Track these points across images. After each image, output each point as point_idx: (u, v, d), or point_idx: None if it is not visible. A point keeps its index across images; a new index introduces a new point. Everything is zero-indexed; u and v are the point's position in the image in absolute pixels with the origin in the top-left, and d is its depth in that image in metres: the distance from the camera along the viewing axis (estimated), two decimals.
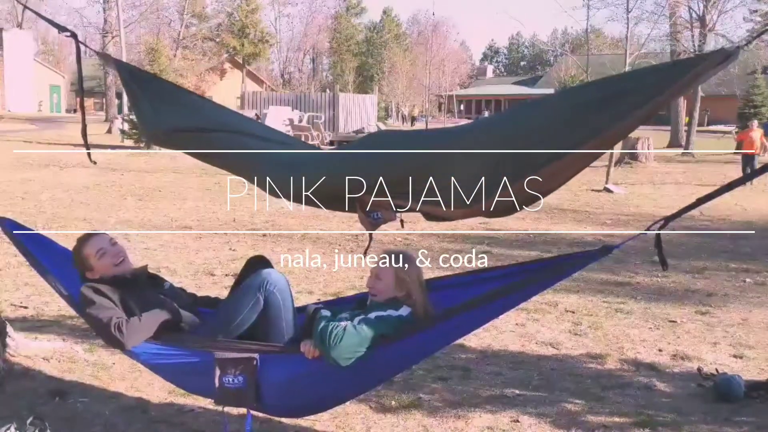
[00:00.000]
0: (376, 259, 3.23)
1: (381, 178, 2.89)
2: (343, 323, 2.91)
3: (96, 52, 3.74)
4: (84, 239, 3.38)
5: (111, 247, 3.35)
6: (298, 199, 3.23)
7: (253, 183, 3.24)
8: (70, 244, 3.77)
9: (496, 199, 2.69)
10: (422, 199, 2.87)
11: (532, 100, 2.86)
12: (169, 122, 3.20)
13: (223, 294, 4.22)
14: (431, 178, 2.79)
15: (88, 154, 3.62)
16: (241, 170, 3.28)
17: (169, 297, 3.38)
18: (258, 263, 3.50)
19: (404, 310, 3.03)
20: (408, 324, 3.00)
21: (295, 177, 3.04)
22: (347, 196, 3.00)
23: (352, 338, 2.85)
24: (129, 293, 3.23)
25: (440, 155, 2.79)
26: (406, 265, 3.15)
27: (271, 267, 3.43)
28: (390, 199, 2.99)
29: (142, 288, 3.32)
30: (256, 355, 2.99)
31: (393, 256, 3.19)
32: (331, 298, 5.41)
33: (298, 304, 3.44)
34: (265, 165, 3.13)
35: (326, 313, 3.05)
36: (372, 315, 2.98)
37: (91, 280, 3.28)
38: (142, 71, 3.44)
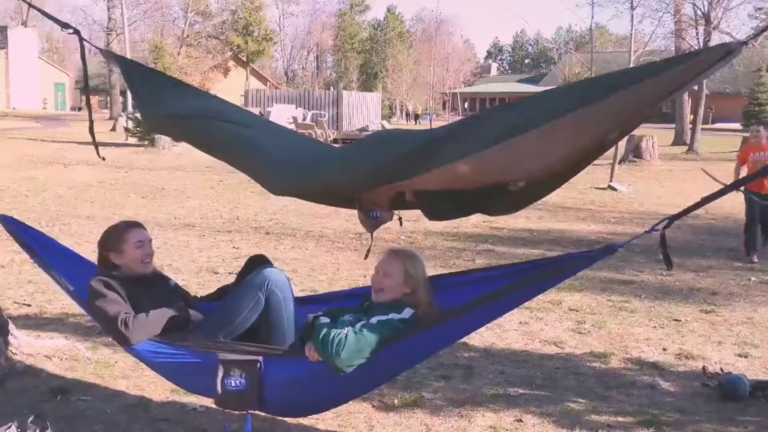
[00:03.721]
0: (380, 258, 3.22)
1: (382, 176, 2.87)
2: (344, 330, 2.87)
3: (98, 48, 3.73)
4: (130, 224, 3.40)
5: (148, 245, 3.37)
6: (297, 195, 3.22)
7: (252, 176, 3.23)
8: (73, 243, 3.76)
9: (498, 196, 2.67)
10: (422, 195, 2.86)
11: (530, 96, 2.83)
12: (169, 108, 3.20)
13: None
14: (431, 175, 2.77)
15: (97, 150, 3.61)
16: (240, 163, 3.26)
17: (176, 296, 3.38)
18: (258, 263, 3.49)
19: (407, 313, 2.99)
20: (411, 326, 2.98)
21: (296, 172, 3.03)
22: (347, 192, 2.99)
23: (354, 345, 2.82)
24: (138, 291, 3.23)
25: (440, 152, 2.76)
26: (414, 261, 3.15)
27: (272, 266, 3.43)
28: (389, 197, 2.98)
29: (150, 286, 3.32)
30: (260, 358, 2.97)
31: (401, 252, 3.20)
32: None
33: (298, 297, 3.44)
34: (265, 159, 3.12)
35: (325, 320, 3.03)
36: (374, 320, 2.94)
37: (105, 271, 3.27)
38: (142, 65, 3.46)
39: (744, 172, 8.62)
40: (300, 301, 3.41)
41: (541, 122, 2.41)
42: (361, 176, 2.89)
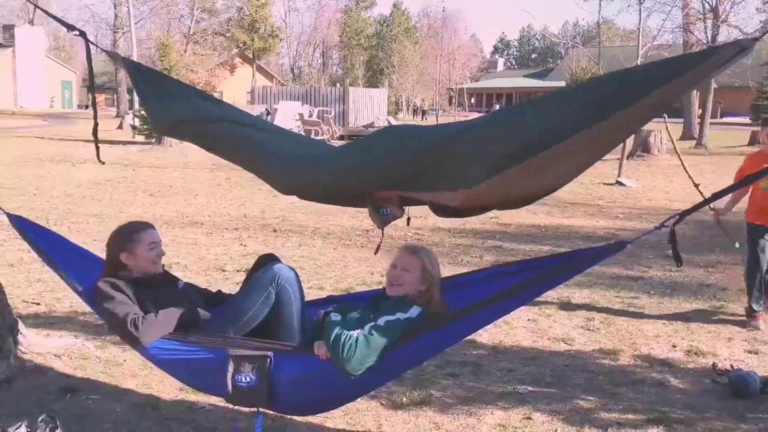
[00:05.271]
0: (397, 254, 3.21)
1: (390, 173, 2.87)
2: (354, 333, 2.89)
3: (104, 50, 3.72)
4: (143, 225, 3.39)
5: (160, 246, 3.37)
6: (304, 195, 3.22)
7: (259, 176, 3.23)
8: (81, 241, 3.76)
9: (507, 186, 2.66)
10: (431, 187, 2.85)
11: (543, 96, 2.81)
12: (175, 114, 3.22)
13: (234, 290, 4.20)
14: (440, 167, 2.76)
15: (98, 154, 3.62)
16: (246, 162, 3.26)
17: (184, 296, 3.38)
18: (268, 261, 3.49)
19: (413, 311, 3.00)
20: (419, 324, 2.98)
21: (303, 173, 3.03)
22: (355, 192, 2.99)
23: (364, 350, 2.84)
24: (146, 292, 3.22)
25: (449, 148, 2.75)
26: (431, 259, 3.18)
27: (281, 262, 3.42)
28: (399, 192, 2.97)
29: (158, 287, 3.32)
30: (270, 353, 2.97)
31: (420, 249, 3.22)
32: (341, 293, 5.41)
33: (308, 299, 3.43)
34: (272, 160, 3.12)
35: (336, 317, 3.04)
36: (381, 321, 2.95)
37: (111, 272, 3.26)
38: (148, 68, 3.46)
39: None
40: (309, 304, 3.41)
41: (573, 132, 2.43)
42: (370, 175, 2.90)
